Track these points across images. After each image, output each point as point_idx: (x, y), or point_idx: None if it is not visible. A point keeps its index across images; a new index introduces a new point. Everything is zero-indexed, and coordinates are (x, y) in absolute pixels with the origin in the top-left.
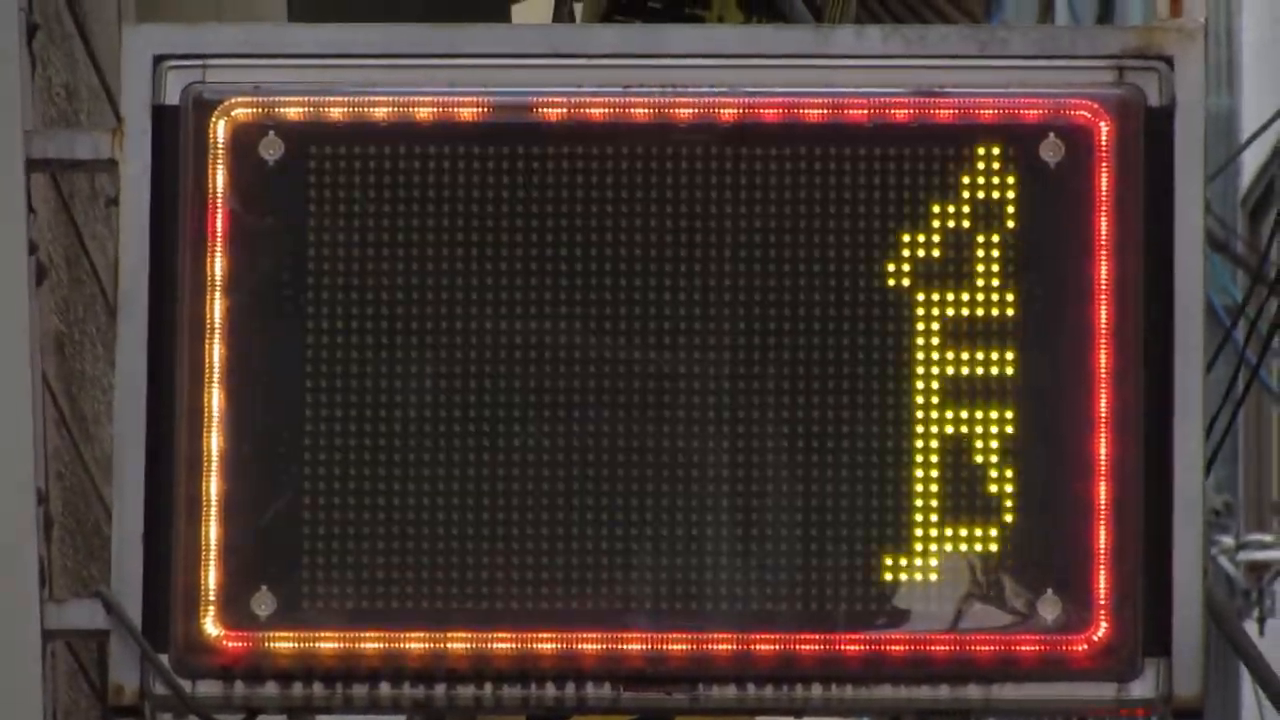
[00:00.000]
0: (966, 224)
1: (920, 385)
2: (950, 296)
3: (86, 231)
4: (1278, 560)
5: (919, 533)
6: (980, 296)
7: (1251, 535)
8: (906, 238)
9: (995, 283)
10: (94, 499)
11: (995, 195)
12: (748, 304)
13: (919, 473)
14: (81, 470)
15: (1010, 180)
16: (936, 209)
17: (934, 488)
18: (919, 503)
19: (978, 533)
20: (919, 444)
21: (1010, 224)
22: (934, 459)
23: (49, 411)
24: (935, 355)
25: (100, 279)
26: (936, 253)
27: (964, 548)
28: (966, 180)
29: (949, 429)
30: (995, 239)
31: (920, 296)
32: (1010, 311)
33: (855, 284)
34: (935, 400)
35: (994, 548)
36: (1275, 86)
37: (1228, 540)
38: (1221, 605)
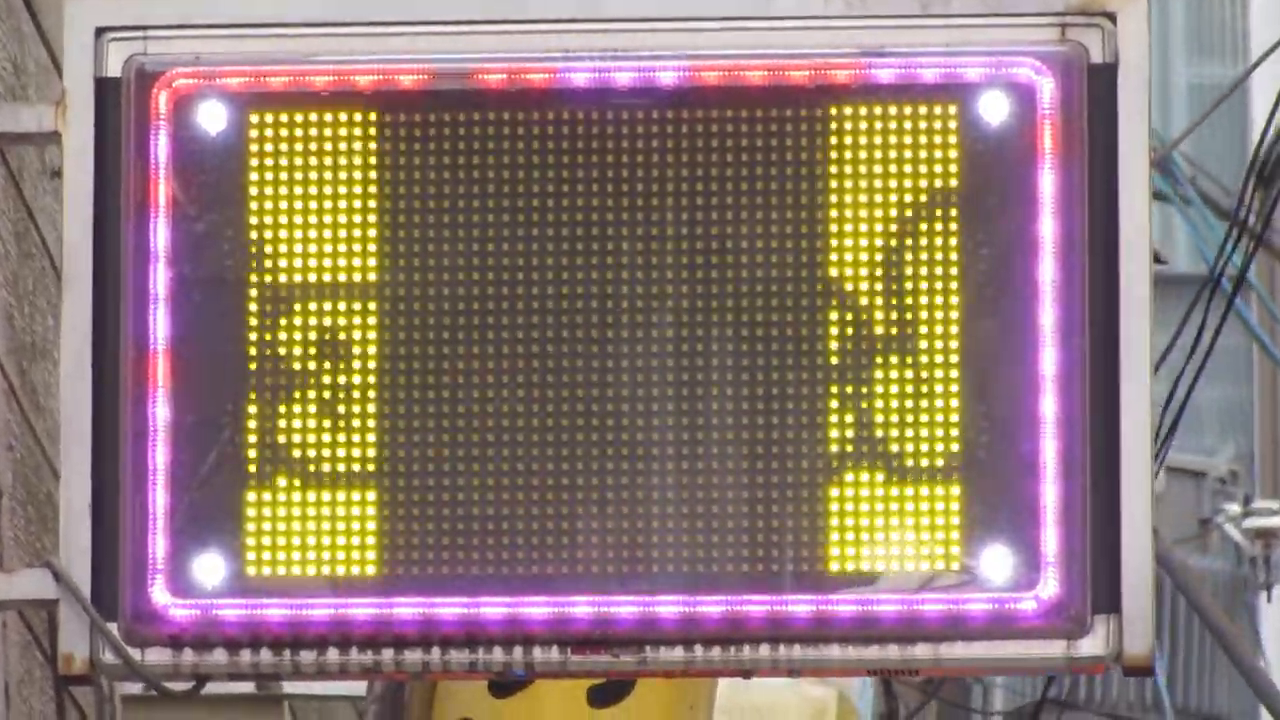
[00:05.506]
0: (909, 183)
1: (865, 345)
2: (894, 256)
3: (36, 205)
4: None
5: (865, 492)
6: (924, 255)
7: (1258, 502)
8: (849, 198)
9: (939, 241)
10: (45, 470)
11: (938, 154)
12: (691, 267)
13: (864, 433)
14: (32, 441)
15: (953, 139)
16: (879, 169)
17: (880, 448)
18: (865, 462)
19: (924, 491)
20: (864, 405)
21: (954, 182)
22: (880, 418)
23: None
24: (880, 315)
25: (50, 252)
26: (879, 211)
27: (910, 506)
28: (909, 140)
29: (894, 388)
30: (939, 198)
31: (865, 256)
32: (955, 270)
33: (799, 244)
34: (879, 359)
35: (941, 506)
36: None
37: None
38: (1185, 575)
